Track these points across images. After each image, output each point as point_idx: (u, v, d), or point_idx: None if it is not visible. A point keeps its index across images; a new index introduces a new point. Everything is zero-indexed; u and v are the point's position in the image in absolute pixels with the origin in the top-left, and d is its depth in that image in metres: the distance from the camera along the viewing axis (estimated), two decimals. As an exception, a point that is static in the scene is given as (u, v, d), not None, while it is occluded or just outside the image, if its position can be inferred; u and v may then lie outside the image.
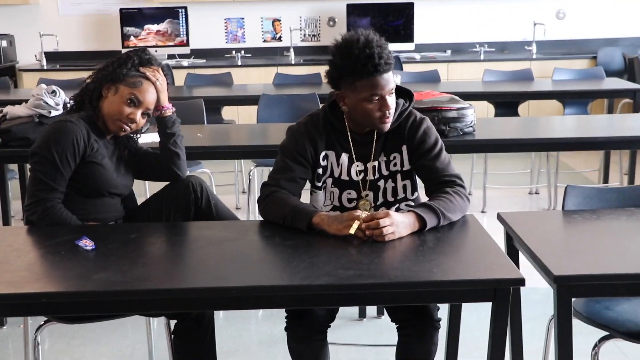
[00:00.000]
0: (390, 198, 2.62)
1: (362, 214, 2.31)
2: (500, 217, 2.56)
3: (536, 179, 5.93)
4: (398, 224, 2.28)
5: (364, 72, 2.42)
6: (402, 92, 2.65)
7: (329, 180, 2.63)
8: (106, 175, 2.72)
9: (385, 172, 2.61)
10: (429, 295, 2.11)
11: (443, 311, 2.68)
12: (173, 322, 2.68)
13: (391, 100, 2.49)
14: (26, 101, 3.62)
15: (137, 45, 7.51)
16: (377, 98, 2.46)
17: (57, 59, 7.68)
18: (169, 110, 2.85)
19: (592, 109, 6.70)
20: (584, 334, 2.50)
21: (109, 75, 2.72)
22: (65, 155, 2.60)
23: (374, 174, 2.61)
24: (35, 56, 7.62)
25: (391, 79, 2.47)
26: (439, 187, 2.50)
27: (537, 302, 3.49)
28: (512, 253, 2.48)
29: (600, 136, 3.97)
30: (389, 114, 2.50)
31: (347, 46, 2.44)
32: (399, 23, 7.64)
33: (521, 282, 2.01)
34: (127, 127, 2.72)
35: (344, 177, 2.62)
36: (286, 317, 2.54)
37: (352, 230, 2.27)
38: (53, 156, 2.58)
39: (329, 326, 2.59)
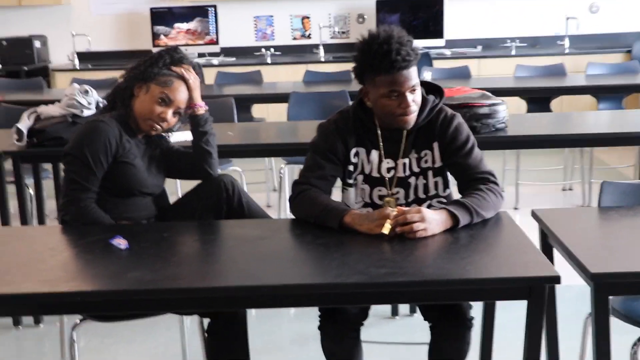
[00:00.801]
0: (421, 195, 2.61)
1: (393, 211, 2.30)
2: (534, 214, 2.54)
3: (570, 176, 5.87)
4: (430, 220, 2.26)
5: (382, 68, 2.43)
6: (433, 89, 2.63)
7: (360, 177, 2.62)
8: (138, 174, 2.73)
9: (416, 169, 2.59)
10: (463, 293, 2.10)
11: (477, 310, 2.66)
12: (206, 321, 2.69)
13: (413, 97, 2.47)
14: (59, 101, 3.66)
15: (168, 44, 7.54)
16: (395, 94, 2.46)
17: (89, 58, 7.76)
18: (202, 108, 2.86)
19: (627, 104, 6.61)
20: (622, 333, 2.46)
21: (140, 75, 2.73)
22: (98, 156, 2.61)
23: (404, 171, 2.59)
24: (68, 56, 7.70)
25: (412, 76, 2.45)
26: (471, 184, 2.48)
27: (572, 299, 3.44)
28: (547, 250, 2.45)
29: (636, 131, 3.91)
30: (410, 111, 2.48)
31: (368, 42, 2.46)
32: (424, 20, 7.60)
33: (557, 279, 1.98)
34: (158, 126, 2.73)
35: (375, 174, 2.61)
36: (319, 316, 2.54)
37: (385, 230, 2.25)
38: (86, 156, 2.60)
39: (362, 324, 2.59)
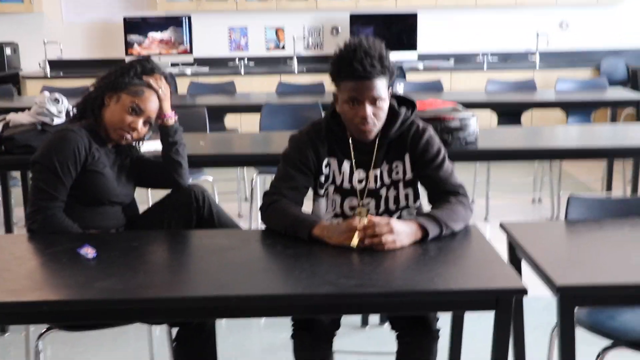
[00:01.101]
0: (392, 206, 2.62)
1: (363, 220, 2.30)
2: (503, 227, 2.56)
3: (539, 188, 5.93)
4: (399, 232, 2.27)
5: (345, 74, 2.46)
6: (405, 101, 2.65)
7: (331, 188, 2.63)
8: (107, 184, 2.72)
9: (387, 181, 2.61)
10: (431, 304, 2.11)
11: (446, 320, 2.68)
12: (175, 330, 2.68)
13: (373, 109, 2.47)
14: (29, 109, 3.62)
15: (141, 54, 7.53)
16: (355, 102, 2.47)
17: (61, 67, 7.70)
18: (172, 119, 2.85)
19: (595, 119, 6.69)
20: (587, 343, 2.48)
21: (111, 84, 2.73)
22: (67, 164, 2.60)
23: (375, 182, 2.60)
24: (39, 64, 7.64)
25: (375, 88, 2.45)
26: (441, 196, 2.50)
27: (540, 310, 3.46)
28: (515, 262, 2.47)
29: (604, 145, 3.97)
30: (367, 122, 2.49)
31: (342, 47, 2.50)
32: (397, 33, 7.64)
33: (523, 291, 2.00)
34: (128, 136, 2.72)
35: (346, 185, 2.62)
36: (292, 326, 2.54)
37: (353, 243, 2.25)
38: (54, 165, 2.59)
39: (335, 335, 2.59)
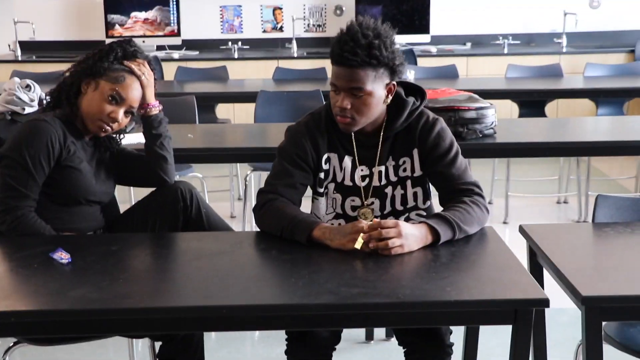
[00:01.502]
0: (399, 206, 2.62)
1: (367, 224, 2.31)
2: (522, 230, 2.56)
3: (565, 187, 5.93)
4: (407, 236, 2.28)
5: (331, 56, 2.49)
6: (414, 90, 2.65)
7: (331, 186, 2.64)
8: (84, 180, 2.72)
9: (393, 178, 2.61)
10: (442, 316, 2.12)
11: (458, 334, 2.68)
12: (158, 344, 2.69)
13: (351, 100, 2.47)
14: (-2, 96, 3.64)
15: (123, 35, 7.54)
16: (335, 90, 2.50)
17: (33, 49, 7.72)
18: (155, 108, 2.86)
19: (629, 110, 6.69)
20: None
21: (88, 69, 2.73)
22: (39, 159, 2.60)
23: (380, 180, 2.61)
24: (9, 46, 7.66)
25: (357, 79, 2.44)
26: (454, 196, 2.50)
27: (564, 324, 3.48)
28: (536, 270, 2.48)
29: (638, 139, 3.96)
30: (345, 114, 2.49)
31: (340, 28, 2.51)
32: (408, 13, 7.65)
33: (545, 302, 2.01)
34: (108, 127, 2.72)
35: (347, 182, 2.62)
36: (286, 340, 2.55)
37: (357, 245, 2.26)
38: (25, 160, 2.59)
39: (334, 349, 2.60)
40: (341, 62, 2.44)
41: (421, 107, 2.62)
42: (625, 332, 2.49)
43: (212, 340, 3.64)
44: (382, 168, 2.61)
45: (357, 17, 2.54)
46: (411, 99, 2.59)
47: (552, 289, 2.23)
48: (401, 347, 2.59)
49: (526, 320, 2.03)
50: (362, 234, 2.27)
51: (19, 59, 7.44)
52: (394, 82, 2.53)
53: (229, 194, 5.78)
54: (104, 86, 2.70)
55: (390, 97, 2.54)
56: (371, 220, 2.40)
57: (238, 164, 5.74)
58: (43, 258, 2.29)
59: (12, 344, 2.54)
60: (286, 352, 2.55)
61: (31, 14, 7.72)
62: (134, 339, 3.11)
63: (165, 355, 2.64)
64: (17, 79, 3.65)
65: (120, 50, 2.76)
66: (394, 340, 2.73)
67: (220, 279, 2.17)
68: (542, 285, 2.31)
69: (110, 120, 2.71)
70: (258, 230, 2.55)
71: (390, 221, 2.30)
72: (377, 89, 2.48)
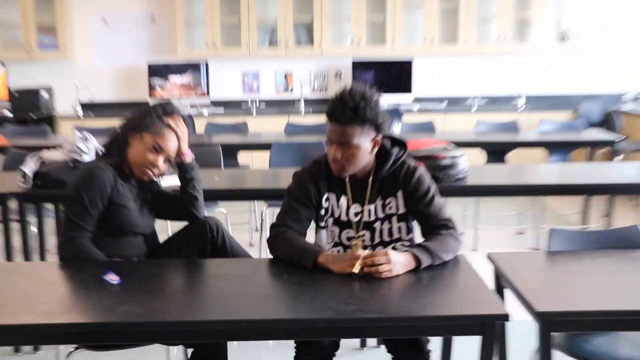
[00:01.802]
0: (386, 238, 2.63)
1: (364, 252, 2.32)
2: (489, 257, 2.56)
3: (523, 221, 5.92)
4: (395, 262, 2.28)
5: (326, 113, 2.51)
6: (396, 141, 2.66)
7: (330, 220, 2.64)
8: (130, 216, 2.74)
9: (381, 215, 2.62)
10: (423, 329, 2.12)
11: (436, 343, 2.67)
12: (190, 350, 2.67)
13: (342, 152, 2.49)
14: (62, 147, 3.66)
15: (162, 96, 7.59)
16: (330, 141, 2.52)
17: (91, 108, 7.76)
18: (189, 157, 2.88)
19: (574, 157, 6.70)
20: (566, 366, 2.49)
21: (135, 125, 2.75)
22: (94, 198, 2.62)
23: (369, 216, 2.62)
24: (72, 106, 7.70)
25: (345, 133, 2.46)
26: (433, 230, 2.51)
27: (524, 333, 3.43)
28: (500, 290, 2.48)
29: (581, 182, 3.97)
30: (337, 162, 2.51)
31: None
32: (395, 77, 7.70)
33: (506, 317, 2.01)
34: (150, 172, 2.74)
35: (343, 217, 2.63)
36: (295, 348, 2.54)
37: (355, 270, 2.27)
38: (83, 199, 2.61)
39: (335, 355, 2.59)
40: (333, 119, 2.47)
41: (404, 156, 2.63)
42: (571, 341, 2.47)
43: (234, 347, 3.62)
44: (372, 206, 2.61)
45: (351, 82, 2.56)
46: (395, 149, 2.61)
47: (513, 305, 2.22)
48: (389, 354, 2.59)
49: (492, 331, 2.03)
50: (359, 260, 2.29)
51: (80, 116, 7.47)
52: (379, 137, 2.54)
53: (248, 226, 5.78)
54: (147, 139, 2.72)
55: (375, 149, 2.55)
56: (361, 248, 2.42)
57: (256, 201, 5.73)
58: (97, 279, 2.30)
59: (72, 349, 2.53)
60: (295, 358, 2.54)
61: (90, 80, 7.80)
62: (170, 346, 3.10)
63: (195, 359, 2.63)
64: (77, 133, 3.67)
65: (160, 109, 2.78)
66: (383, 347, 2.72)
67: (241, 298, 2.17)
68: (504, 303, 2.31)
69: (152, 166, 2.73)
70: (271, 257, 2.55)
71: (381, 251, 2.31)
72: (364, 142, 2.49)
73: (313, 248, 2.43)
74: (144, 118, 2.75)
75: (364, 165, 2.56)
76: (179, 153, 2.83)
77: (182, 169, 2.88)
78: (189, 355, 2.68)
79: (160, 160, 2.74)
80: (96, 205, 2.63)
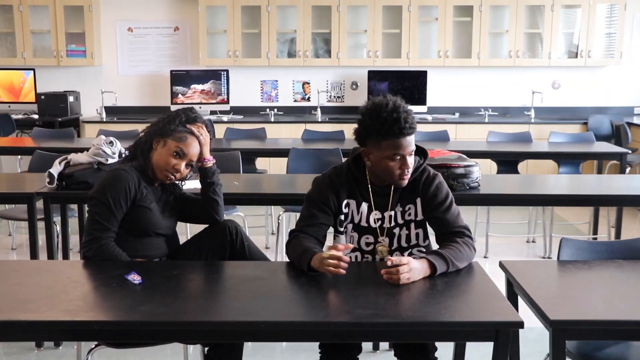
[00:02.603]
0: (404, 244, 2.60)
1: (387, 259, 2.28)
2: (502, 265, 2.53)
3: (533, 229, 5.87)
4: (413, 270, 2.26)
5: (390, 134, 2.42)
6: (418, 150, 2.63)
7: (350, 226, 2.62)
8: (153, 217, 2.73)
9: (400, 221, 2.59)
10: (437, 334, 2.09)
11: (449, 349, 2.64)
12: (207, 348, 2.65)
13: (411, 160, 2.50)
14: (87, 150, 3.66)
15: (184, 102, 7.61)
16: (399, 157, 2.46)
17: (115, 112, 7.79)
18: (210, 162, 2.87)
19: (584, 169, 6.65)
20: (576, 373, 2.44)
21: (159, 130, 2.75)
22: (119, 200, 2.61)
23: (390, 222, 2.59)
24: (97, 110, 7.74)
25: (413, 142, 2.48)
26: (449, 237, 2.48)
27: (533, 340, 3.40)
28: (512, 297, 2.44)
29: (591, 194, 3.93)
30: (408, 172, 2.50)
31: (376, 109, 2.45)
32: (409, 88, 7.68)
33: (520, 325, 1.98)
34: (172, 176, 2.73)
35: (363, 223, 2.60)
36: (320, 352, 2.51)
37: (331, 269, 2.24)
38: (108, 200, 2.60)
39: (358, 358, 2.56)
40: (408, 134, 2.44)
41: (424, 164, 2.61)
42: (582, 349, 2.44)
43: (249, 348, 3.60)
44: (392, 213, 2.59)
45: (378, 97, 2.50)
46: (416, 158, 2.58)
47: (523, 310, 2.19)
48: (396, 358, 2.56)
49: (505, 338, 2.00)
50: (383, 270, 2.25)
51: (104, 120, 7.49)
52: None
53: (265, 229, 5.77)
54: (170, 144, 2.72)
55: None
56: (386, 254, 2.39)
57: (272, 206, 5.72)
58: (119, 279, 2.29)
59: (93, 346, 2.52)
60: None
61: (114, 85, 7.82)
62: (188, 345, 3.08)
63: (211, 359, 2.61)
64: (102, 137, 3.68)
65: (184, 115, 2.78)
66: (395, 351, 2.69)
67: (259, 300, 2.16)
68: (517, 310, 2.27)
69: (175, 171, 2.72)
70: (288, 260, 2.53)
71: (404, 258, 2.28)
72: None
73: (311, 250, 2.38)
74: (168, 124, 2.74)
75: None
76: (201, 158, 2.82)
77: (203, 173, 2.87)
78: (206, 353, 2.66)
79: (183, 165, 2.73)
80: (120, 207, 2.62)
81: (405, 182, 2.53)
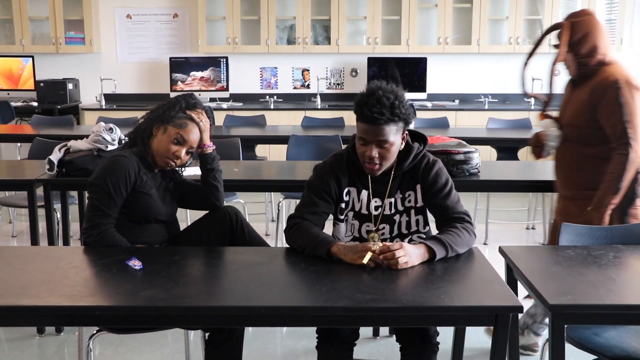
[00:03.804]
0: (404, 230, 2.60)
1: (374, 245, 2.29)
2: (501, 251, 2.54)
3: (533, 216, 5.88)
4: (410, 254, 2.26)
5: (359, 116, 2.44)
6: (417, 137, 2.63)
7: (350, 214, 2.62)
8: (153, 204, 2.73)
9: (400, 208, 2.59)
10: (437, 318, 2.10)
11: (448, 333, 2.65)
12: (207, 334, 2.67)
13: (379, 150, 2.45)
14: (87, 136, 3.66)
15: (184, 90, 7.59)
16: (362, 142, 2.46)
17: (115, 100, 7.78)
18: (210, 148, 2.87)
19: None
20: (574, 357, 2.46)
21: (159, 117, 2.75)
22: (119, 186, 2.62)
23: (390, 209, 2.59)
24: (96, 97, 7.72)
25: (382, 133, 2.41)
26: (449, 222, 2.48)
27: (532, 326, 3.43)
28: (512, 282, 2.45)
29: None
30: (373, 162, 2.46)
31: (362, 90, 2.47)
32: (409, 76, 7.66)
33: (520, 309, 1.99)
34: (172, 163, 2.74)
35: (364, 211, 2.60)
36: (317, 338, 2.52)
37: (365, 260, 2.25)
38: (108, 186, 2.61)
39: (355, 344, 2.57)
40: (371, 121, 2.40)
41: (424, 151, 2.60)
42: (581, 334, 2.45)
43: (250, 333, 3.62)
44: (392, 200, 2.58)
45: (375, 81, 2.48)
46: (416, 145, 2.58)
47: (520, 296, 2.20)
48: (398, 343, 2.57)
49: (504, 323, 2.01)
50: (369, 252, 2.26)
51: (104, 107, 7.48)
52: (406, 132, 2.52)
53: (265, 216, 5.78)
54: (170, 130, 2.72)
55: (404, 144, 2.52)
56: (379, 242, 2.39)
57: (272, 193, 5.73)
58: (120, 265, 2.30)
59: (95, 331, 2.53)
60: (317, 347, 2.52)
61: (114, 73, 7.81)
62: (189, 330, 3.10)
63: (212, 343, 2.63)
64: (102, 124, 3.68)
65: (184, 102, 2.78)
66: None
67: (259, 285, 2.16)
68: (516, 295, 2.28)
69: (175, 157, 2.72)
70: (288, 246, 2.54)
71: (396, 244, 2.29)
72: (397, 139, 2.47)
73: (327, 238, 2.41)
74: (168, 111, 2.74)
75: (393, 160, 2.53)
76: (201, 144, 2.82)
77: (204, 159, 2.87)
78: (207, 339, 2.67)
79: (183, 152, 2.73)
80: (120, 193, 2.63)
81: (373, 172, 2.51)
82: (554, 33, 3.24)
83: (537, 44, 3.30)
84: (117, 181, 2.62)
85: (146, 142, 2.75)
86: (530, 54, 3.31)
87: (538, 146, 3.29)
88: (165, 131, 2.72)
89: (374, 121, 2.40)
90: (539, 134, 3.30)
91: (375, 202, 2.59)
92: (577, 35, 3.11)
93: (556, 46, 3.19)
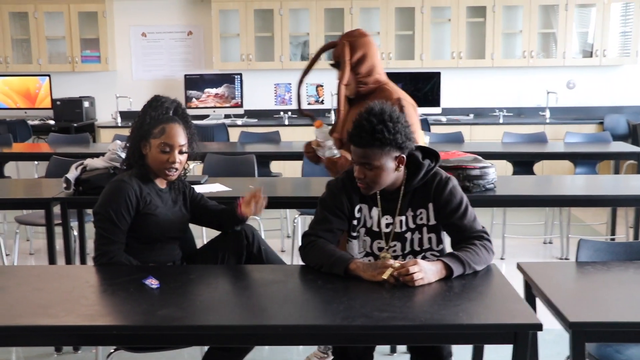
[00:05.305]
0: (417, 248, 2.58)
1: (395, 263, 2.28)
2: (520, 267, 2.51)
3: (550, 230, 5.84)
4: (426, 270, 2.25)
5: (347, 136, 2.47)
6: (428, 153, 2.61)
7: (362, 230, 2.60)
8: (161, 223, 2.71)
9: (412, 225, 2.56)
10: (455, 336, 2.07)
11: (467, 352, 2.63)
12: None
13: (365, 172, 2.45)
14: (103, 154, 3.68)
15: (198, 106, 7.63)
16: (353, 162, 2.48)
17: (130, 117, 7.80)
18: (246, 217, 2.85)
19: (600, 169, 6.60)
20: (596, 376, 2.42)
21: (138, 136, 2.72)
22: (121, 212, 2.61)
23: (400, 227, 2.57)
24: (112, 115, 7.78)
25: (366, 155, 2.41)
26: (467, 241, 2.45)
27: (551, 342, 3.39)
28: (530, 299, 2.43)
29: (608, 194, 3.90)
30: (360, 181, 2.48)
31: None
32: (423, 90, 7.66)
33: (539, 327, 1.97)
34: (172, 170, 2.71)
35: (375, 228, 2.58)
36: (332, 353, 2.51)
37: (385, 276, 2.24)
38: (109, 214, 2.60)
39: (371, 361, 2.56)
40: (354, 142, 2.44)
41: (435, 168, 2.58)
42: (602, 351, 2.42)
43: (266, 350, 3.60)
44: (403, 217, 2.56)
45: (375, 102, 2.48)
46: (427, 162, 2.55)
47: (541, 311, 2.17)
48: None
49: (524, 341, 1.99)
50: (389, 269, 2.25)
51: (119, 125, 7.53)
52: (404, 154, 2.47)
53: (280, 232, 5.78)
54: (153, 143, 2.69)
55: (401, 166, 2.49)
56: (391, 260, 2.38)
57: (288, 209, 5.73)
58: (137, 284, 2.30)
59: (112, 350, 2.53)
60: None
61: (129, 90, 7.86)
62: (206, 347, 3.08)
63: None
64: (118, 141, 3.69)
65: (150, 109, 2.73)
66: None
67: (276, 303, 2.16)
68: (535, 312, 2.26)
69: (171, 164, 2.69)
70: (304, 264, 2.52)
71: (411, 261, 2.28)
72: (386, 162, 2.44)
73: (345, 255, 2.40)
74: (142, 126, 2.71)
75: (390, 182, 2.51)
76: (239, 212, 2.81)
77: (237, 218, 2.85)
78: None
79: (176, 156, 2.69)
80: (123, 218, 2.62)
81: (366, 192, 2.51)
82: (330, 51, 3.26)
83: (313, 61, 3.30)
84: (118, 207, 2.61)
85: (141, 162, 2.73)
86: (306, 72, 3.31)
87: (309, 152, 3.30)
88: (150, 146, 2.69)
89: (355, 143, 2.43)
90: (312, 143, 3.30)
91: (387, 219, 2.57)
92: (356, 54, 3.12)
93: (334, 65, 3.19)
